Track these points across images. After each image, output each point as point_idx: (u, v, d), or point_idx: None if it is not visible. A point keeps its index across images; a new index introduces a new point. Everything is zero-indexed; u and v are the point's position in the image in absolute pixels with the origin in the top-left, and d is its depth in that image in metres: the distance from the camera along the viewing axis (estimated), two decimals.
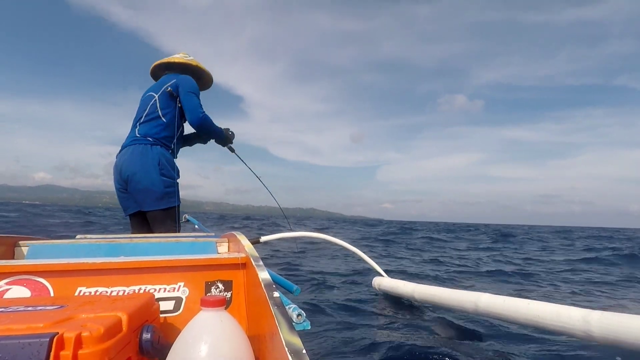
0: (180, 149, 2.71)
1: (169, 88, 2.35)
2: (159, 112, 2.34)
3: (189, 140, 2.76)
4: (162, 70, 2.58)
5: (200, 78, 2.68)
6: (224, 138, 2.63)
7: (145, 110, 2.36)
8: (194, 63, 2.56)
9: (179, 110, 2.38)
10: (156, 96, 2.37)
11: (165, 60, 2.53)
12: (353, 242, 3.17)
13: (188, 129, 2.56)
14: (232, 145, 2.73)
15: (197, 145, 2.81)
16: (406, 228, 22.41)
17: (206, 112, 2.37)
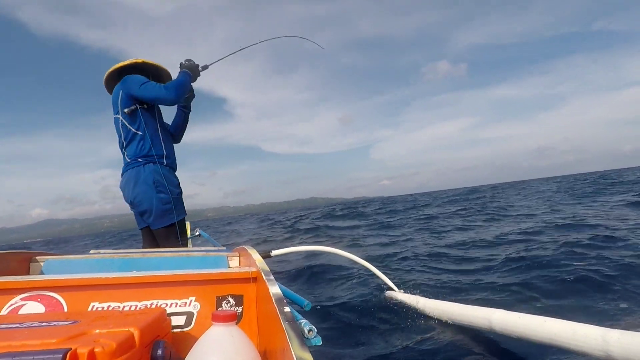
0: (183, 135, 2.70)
1: (126, 109, 2.25)
2: (131, 129, 2.28)
3: (180, 125, 2.67)
4: (114, 81, 2.41)
5: (159, 78, 2.56)
6: (193, 74, 2.45)
7: (121, 134, 2.33)
8: (140, 61, 2.40)
9: (149, 113, 2.32)
10: (120, 116, 2.30)
11: (112, 68, 2.39)
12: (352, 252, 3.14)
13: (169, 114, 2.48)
14: (204, 65, 2.54)
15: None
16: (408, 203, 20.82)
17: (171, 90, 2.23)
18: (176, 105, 2.59)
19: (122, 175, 2.39)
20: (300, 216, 19.03)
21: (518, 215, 8.56)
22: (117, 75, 2.38)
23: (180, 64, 2.45)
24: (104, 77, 2.44)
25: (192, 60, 2.48)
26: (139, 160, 2.29)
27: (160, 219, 2.27)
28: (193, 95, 2.69)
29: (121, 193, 2.41)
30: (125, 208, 2.49)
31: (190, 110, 2.72)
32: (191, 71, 2.42)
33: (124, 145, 2.34)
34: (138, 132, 2.28)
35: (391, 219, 11.25)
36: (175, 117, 2.67)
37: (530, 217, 7.75)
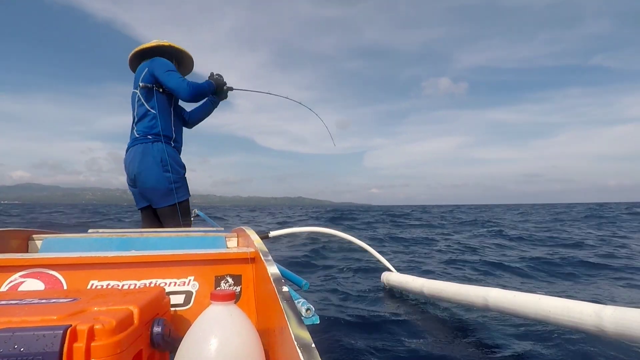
0: (202, 121, 2.69)
1: (142, 83, 2.30)
2: (146, 106, 2.32)
3: (201, 114, 2.68)
4: (138, 60, 2.49)
5: (181, 62, 2.61)
6: (217, 86, 2.54)
7: (135, 109, 2.36)
8: (167, 44, 2.45)
9: (166, 96, 2.34)
10: (138, 92, 2.34)
11: (138, 48, 2.44)
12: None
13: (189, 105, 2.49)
14: (230, 86, 2.65)
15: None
16: (396, 215, 19.81)
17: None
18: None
19: (127, 150, 2.38)
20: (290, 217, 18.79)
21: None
22: (141, 56, 2.45)
23: (211, 74, 2.57)
24: (129, 55, 2.50)
25: (222, 77, 2.60)
26: (148, 137, 2.29)
27: (165, 197, 2.27)
28: (226, 97, 2.73)
29: (124, 168, 2.39)
30: (110, 182, 2.40)
31: (216, 106, 2.73)
32: (217, 86, 2.54)
33: (135, 120, 2.36)
34: (151, 111, 2.31)
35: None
36: (202, 104, 2.68)
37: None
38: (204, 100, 2.60)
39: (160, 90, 2.32)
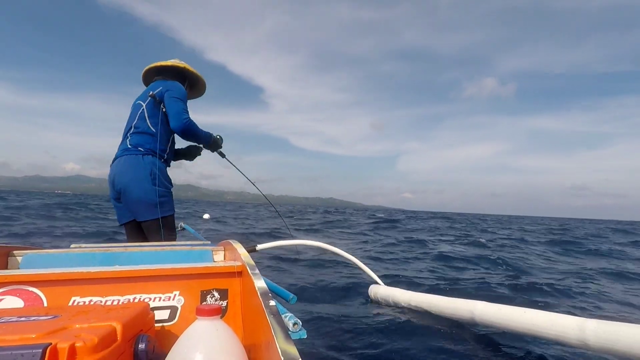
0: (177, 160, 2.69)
1: (152, 92, 2.29)
2: (147, 121, 2.31)
3: (177, 155, 2.71)
4: (153, 76, 2.52)
5: (195, 85, 2.65)
6: (212, 142, 2.57)
7: (135, 120, 2.33)
8: (182, 66, 2.51)
9: (165, 117, 2.34)
10: (144, 105, 2.33)
11: (157, 64, 2.48)
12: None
13: (181, 142, 2.53)
14: (221, 150, 2.69)
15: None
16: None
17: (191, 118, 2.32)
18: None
19: (114, 160, 2.34)
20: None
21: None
22: (156, 72, 2.50)
23: (212, 134, 2.58)
24: (145, 69, 2.53)
25: (221, 140, 2.64)
26: (140, 149, 2.26)
27: (151, 210, 2.23)
28: (199, 153, 2.76)
29: (108, 179, 2.34)
30: None
31: (198, 155, 2.77)
32: (212, 142, 2.57)
33: (132, 131, 2.32)
34: (152, 129, 2.31)
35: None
36: (192, 148, 2.73)
37: None
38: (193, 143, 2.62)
39: (164, 110, 2.32)
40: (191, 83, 2.61)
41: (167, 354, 0.73)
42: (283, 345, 0.57)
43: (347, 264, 4.13)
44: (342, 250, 3.03)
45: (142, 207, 2.24)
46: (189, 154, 2.74)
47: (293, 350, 0.56)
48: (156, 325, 0.91)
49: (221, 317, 0.77)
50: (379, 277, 3.39)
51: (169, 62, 2.50)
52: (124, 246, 1.52)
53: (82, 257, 1.28)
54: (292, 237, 2.94)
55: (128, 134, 2.33)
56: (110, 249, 1.37)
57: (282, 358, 0.53)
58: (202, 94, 2.79)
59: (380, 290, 3.19)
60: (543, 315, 1.89)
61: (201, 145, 2.67)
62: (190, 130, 2.34)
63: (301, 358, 0.54)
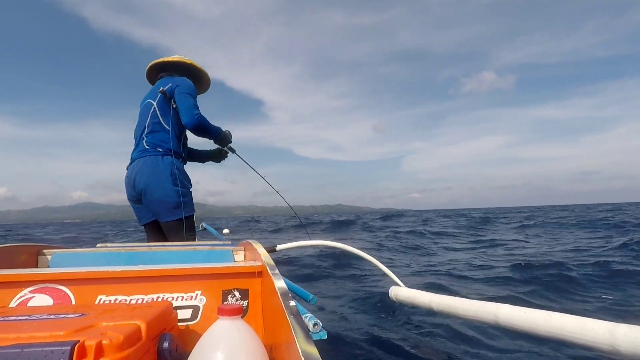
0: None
1: (162, 87, 2.28)
2: (161, 120, 2.30)
3: (205, 157, 2.73)
4: (157, 72, 2.51)
5: (199, 80, 2.63)
6: (222, 138, 2.55)
7: (147, 120, 2.32)
8: (188, 62, 2.49)
9: (177, 113, 2.32)
10: (154, 103, 2.32)
11: (160, 60, 2.46)
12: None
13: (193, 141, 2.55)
14: (231, 145, 2.67)
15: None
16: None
17: (202, 114, 2.30)
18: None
19: (131, 162, 2.34)
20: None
21: None
22: (161, 69, 2.49)
23: (221, 129, 2.55)
24: (149, 65, 2.51)
25: (231, 135, 2.60)
26: (159, 150, 2.26)
27: (173, 210, 2.24)
28: (225, 155, 2.79)
29: (126, 181, 2.34)
30: None
31: (225, 157, 2.81)
32: (223, 137, 2.55)
33: (146, 131, 2.31)
34: (166, 127, 2.30)
35: None
36: (207, 153, 2.78)
37: None
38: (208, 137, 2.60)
39: (175, 106, 2.31)
40: (195, 79, 2.59)
41: (189, 353, 0.74)
42: (303, 346, 0.57)
43: (367, 265, 4.10)
44: (361, 251, 3.01)
45: (163, 208, 2.25)
46: (217, 156, 2.77)
47: (313, 350, 0.56)
48: (179, 324, 0.92)
49: (242, 317, 0.77)
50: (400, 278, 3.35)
51: (175, 58, 2.47)
52: (148, 246, 1.56)
53: (107, 256, 1.32)
54: (311, 238, 2.94)
55: (143, 135, 2.32)
56: (134, 248, 1.40)
57: (303, 358, 0.53)
58: (207, 88, 2.77)
59: (401, 291, 3.15)
60: (571, 319, 1.82)
61: (225, 149, 2.68)
62: (202, 126, 2.31)
63: (322, 359, 0.53)
